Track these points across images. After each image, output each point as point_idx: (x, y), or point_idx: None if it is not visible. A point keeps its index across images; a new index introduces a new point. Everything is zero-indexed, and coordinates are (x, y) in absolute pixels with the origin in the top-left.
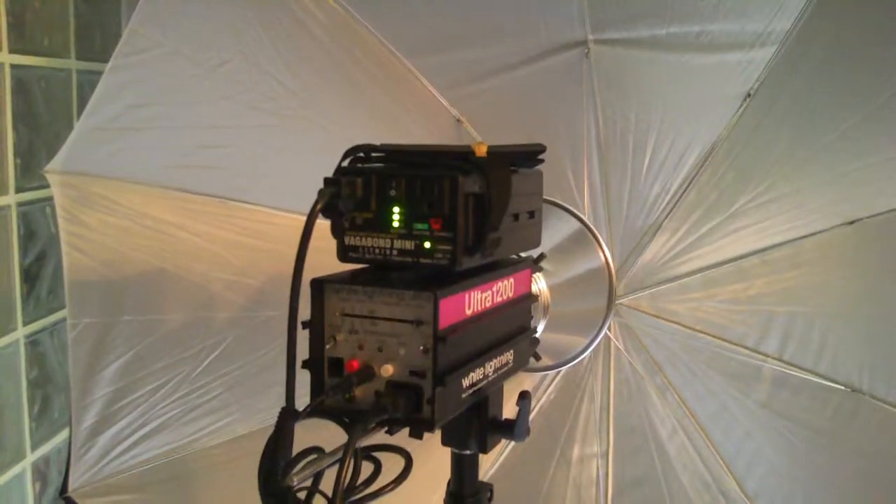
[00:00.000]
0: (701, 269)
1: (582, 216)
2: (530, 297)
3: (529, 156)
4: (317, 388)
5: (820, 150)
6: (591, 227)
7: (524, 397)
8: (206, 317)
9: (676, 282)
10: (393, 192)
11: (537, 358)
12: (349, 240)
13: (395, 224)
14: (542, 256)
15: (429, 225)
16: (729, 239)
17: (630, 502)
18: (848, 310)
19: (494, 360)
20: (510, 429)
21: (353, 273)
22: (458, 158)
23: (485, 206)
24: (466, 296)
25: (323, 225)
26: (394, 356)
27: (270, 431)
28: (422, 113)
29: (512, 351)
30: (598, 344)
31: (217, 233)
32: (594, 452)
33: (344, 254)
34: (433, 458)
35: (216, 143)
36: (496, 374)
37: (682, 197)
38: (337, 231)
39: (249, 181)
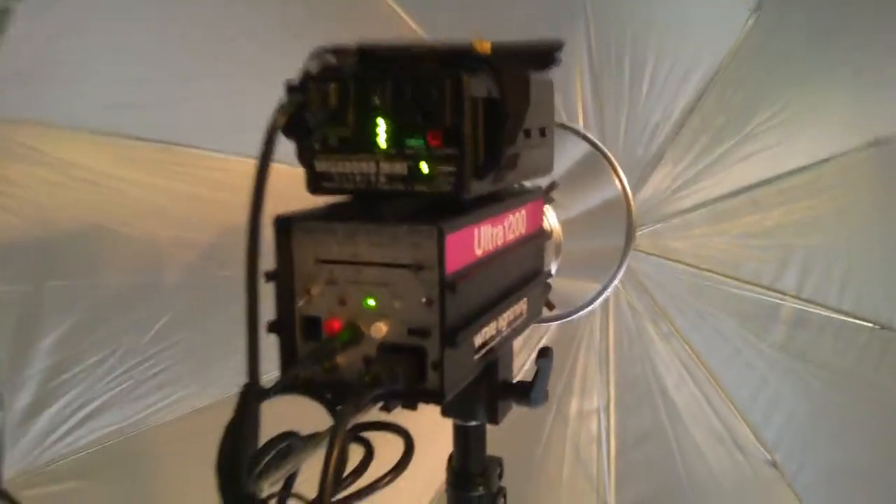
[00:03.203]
0: (708, 202)
1: (593, 138)
2: (543, 235)
3: (543, 55)
4: (288, 357)
5: (838, 64)
6: (605, 150)
7: (545, 355)
8: (152, 279)
9: (681, 217)
10: (377, 100)
11: (550, 307)
12: (321, 165)
13: (381, 142)
14: (553, 185)
15: (425, 141)
16: (739, 167)
17: (635, 459)
18: (874, 239)
19: (508, 312)
20: (525, 393)
21: (330, 207)
22: (458, 56)
23: (498, 114)
24: (476, 231)
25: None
26: (387, 312)
27: (232, 403)
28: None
29: (526, 299)
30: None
31: (161, 183)
32: (594, 407)
33: (315, 183)
34: (427, 433)
35: (156, 78)
36: (510, 329)
37: (685, 123)
38: (305, 155)
39: (197, 123)
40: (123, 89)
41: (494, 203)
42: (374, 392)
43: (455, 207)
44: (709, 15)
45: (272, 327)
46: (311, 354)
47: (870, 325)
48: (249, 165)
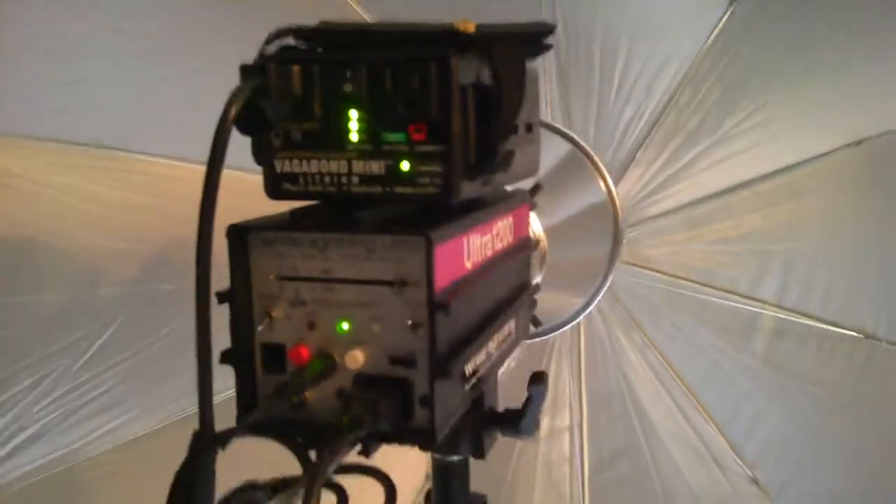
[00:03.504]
0: (682, 207)
1: (575, 137)
2: (531, 244)
3: (534, 39)
4: (246, 393)
5: (821, 60)
6: (590, 150)
7: (539, 380)
8: (88, 295)
9: (654, 222)
10: (349, 87)
11: (537, 324)
12: (283, 165)
13: (354, 136)
14: (538, 188)
15: (407, 135)
16: (715, 170)
17: (610, 478)
18: (857, 244)
19: (498, 333)
20: (514, 422)
21: (293, 214)
22: (443, 36)
23: (491, 104)
24: (465, 241)
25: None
26: (364, 337)
27: (177, 429)
28: None
29: (514, 318)
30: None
31: (98, 190)
32: (565, 424)
33: (275, 186)
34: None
35: (91, 78)
36: (499, 352)
37: (658, 122)
38: (263, 152)
39: (137, 125)
40: (55, 92)
41: (481, 209)
42: (355, 434)
43: (439, 214)
44: (684, 6)
45: (227, 357)
46: (277, 392)
47: (854, 334)
48: (197, 172)
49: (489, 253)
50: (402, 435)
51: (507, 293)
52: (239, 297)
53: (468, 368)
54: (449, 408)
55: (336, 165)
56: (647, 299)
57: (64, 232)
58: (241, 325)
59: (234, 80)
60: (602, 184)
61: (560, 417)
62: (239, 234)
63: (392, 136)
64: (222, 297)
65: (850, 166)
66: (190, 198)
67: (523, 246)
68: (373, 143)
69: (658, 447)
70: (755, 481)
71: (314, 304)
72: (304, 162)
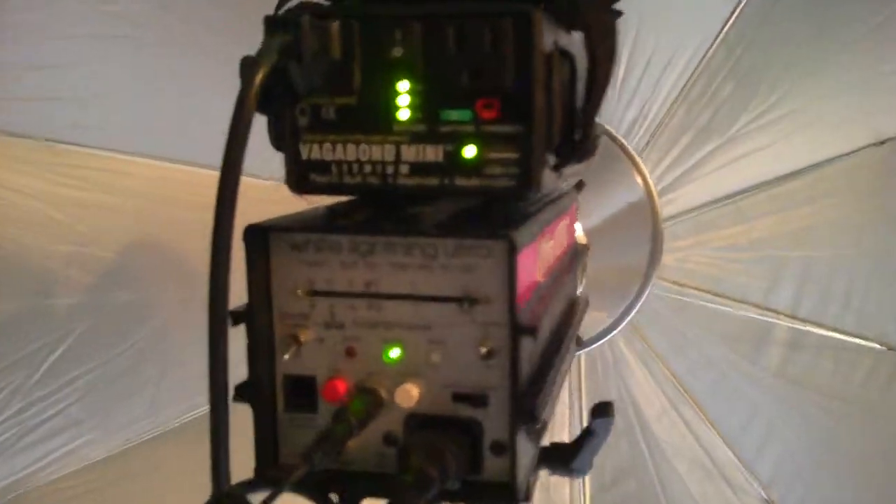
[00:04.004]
0: (690, 210)
1: (608, 128)
2: (582, 250)
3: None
4: (267, 438)
5: (842, 50)
6: (625, 143)
7: (605, 413)
8: (40, 304)
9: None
10: (398, 51)
11: (580, 343)
12: (311, 150)
13: (404, 114)
14: (581, 185)
15: (473, 112)
16: (726, 171)
17: (613, 499)
18: (878, 251)
19: (567, 358)
20: (565, 460)
21: (328, 212)
22: None
23: (578, 72)
24: (538, 246)
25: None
26: (419, 368)
27: (138, 453)
28: None
29: (573, 339)
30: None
31: (51, 189)
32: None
33: (300, 177)
34: None
35: (43, 62)
36: (561, 380)
37: (666, 119)
38: (285, 135)
39: (94, 117)
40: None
41: (543, 207)
42: (425, 496)
43: (512, 213)
44: None
45: (242, 393)
46: (317, 444)
47: (875, 346)
48: (159, 169)
49: (553, 261)
50: (474, 494)
51: (564, 308)
52: (258, 317)
53: (547, 406)
54: (529, 456)
55: (380, 151)
56: (651, 308)
57: (11, 234)
58: (261, 353)
59: (200, 67)
60: (641, 182)
61: (558, 434)
62: (258, 237)
63: (454, 115)
64: (237, 317)
65: (872, 168)
66: (152, 196)
67: (577, 252)
68: (428, 122)
69: (664, 465)
70: (769, 502)
71: (354, 327)
72: (339, 147)
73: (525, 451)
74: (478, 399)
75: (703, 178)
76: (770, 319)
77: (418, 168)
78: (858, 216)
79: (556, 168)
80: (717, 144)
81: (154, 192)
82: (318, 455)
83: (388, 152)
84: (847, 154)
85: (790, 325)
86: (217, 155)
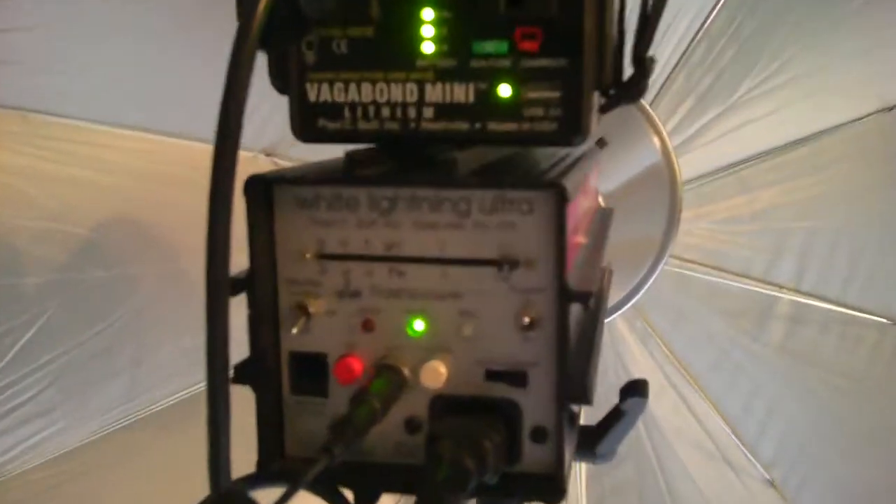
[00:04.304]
0: (690, 181)
1: None
2: (607, 213)
3: None
4: (271, 426)
5: (850, 14)
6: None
7: (638, 391)
8: (11, 283)
9: None
10: None
11: None
12: (319, 91)
13: (429, 47)
14: (602, 142)
15: (511, 43)
16: (727, 139)
17: (612, 483)
18: (885, 222)
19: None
20: (590, 443)
21: (344, 161)
22: None
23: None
24: (579, 204)
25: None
26: (448, 342)
27: (112, 442)
28: None
29: (605, 312)
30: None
31: (19, 162)
32: None
33: (307, 122)
34: None
35: (9, 24)
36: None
37: (665, 85)
38: (289, 73)
39: (69, 86)
40: None
41: (574, 161)
42: (462, 489)
43: (531, 164)
44: None
45: (242, 373)
46: (338, 431)
47: (881, 320)
48: (141, 141)
49: (587, 223)
50: (510, 488)
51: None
52: (261, 285)
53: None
54: (572, 444)
55: (400, 91)
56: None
57: None
58: (264, 327)
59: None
60: (658, 143)
61: None
62: (261, 190)
63: (487, 47)
64: (237, 285)
65: (880, 136)
66: (129, 170)
67: (604, 216)
68: (457, 56)
69: (663, 447)
70: (772, 483)
71: (372, 296)
72: (353, 86)
73: (569, 437)
74: (516, 377)
75: (703, 147)
76: (772, 293)
77: (445, 110)
78: (865, 186)
79: (604, 110)
80: (718, 112)
81: (133, 166)
82: (340, 447)
83: (411, 92)
84: (853, 121)
85: (793, 298)
86: (201, 126)
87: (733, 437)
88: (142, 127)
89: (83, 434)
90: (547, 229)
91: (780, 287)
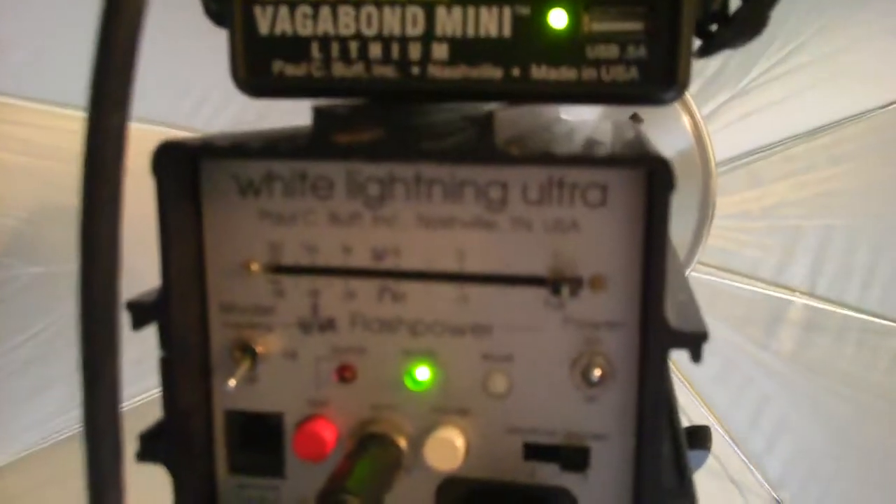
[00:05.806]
0: None
1: None
2: None
3: None
4: None
5: None
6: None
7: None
8: None
9: None
10: None
11: None
12: (273, 19)
13: None
14: (637, 118)
15: None
16: (736, 128)
17: None
18: None
19: None
20: None
21: (313, 121)
22: None
23: None
24: None
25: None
26: (467, 401)
27: (41, 461)
28: None
29: None
30: None
31: None
32: None
33: (256, 68)
34: None
35: None
36: None
37: None
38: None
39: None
40: None
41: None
42: None
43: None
44: None
45: (150, 446)
46: None
47: None
48: (72, 118)
49: None
50: None
51: None
52: (179, 313)
53: None
54: None
55: (398, 17)
56: None
57: None
58: (185, 376)
59: None
60: (687, 124)
61: None
62: (180, 166)
63: None
64: (141, 312)
65: None
66: (61, 153)
67: None
68: None
69: None
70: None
71: (353, 328)
72: (325, 9)
73: None
74: (572, 456)
75: (710, 137)
76: (784, 297)
77: (466, 49)
78: (886, 180)
79: (703, 55)
80: (726, 98)
81: (70, 150)
82: None
83: (414, 19)
84: (874, 110)
85: (807, 303)
86: (150, 106)
87: (739, 453)
88: (79, 105)
89: (8, 453)
90: (630, 230)
91: (793, 290)
